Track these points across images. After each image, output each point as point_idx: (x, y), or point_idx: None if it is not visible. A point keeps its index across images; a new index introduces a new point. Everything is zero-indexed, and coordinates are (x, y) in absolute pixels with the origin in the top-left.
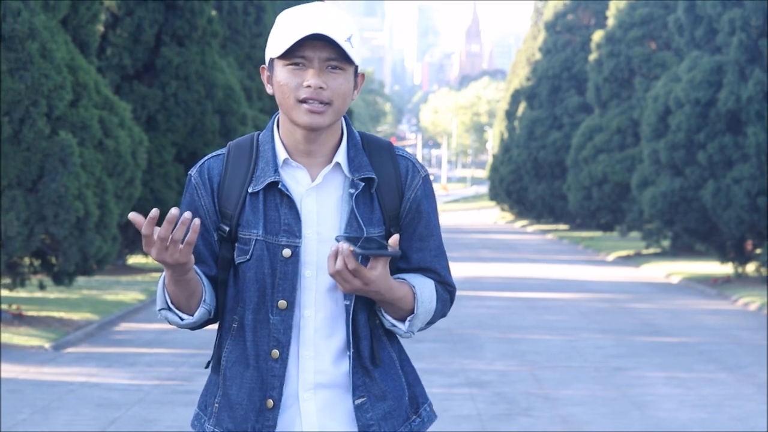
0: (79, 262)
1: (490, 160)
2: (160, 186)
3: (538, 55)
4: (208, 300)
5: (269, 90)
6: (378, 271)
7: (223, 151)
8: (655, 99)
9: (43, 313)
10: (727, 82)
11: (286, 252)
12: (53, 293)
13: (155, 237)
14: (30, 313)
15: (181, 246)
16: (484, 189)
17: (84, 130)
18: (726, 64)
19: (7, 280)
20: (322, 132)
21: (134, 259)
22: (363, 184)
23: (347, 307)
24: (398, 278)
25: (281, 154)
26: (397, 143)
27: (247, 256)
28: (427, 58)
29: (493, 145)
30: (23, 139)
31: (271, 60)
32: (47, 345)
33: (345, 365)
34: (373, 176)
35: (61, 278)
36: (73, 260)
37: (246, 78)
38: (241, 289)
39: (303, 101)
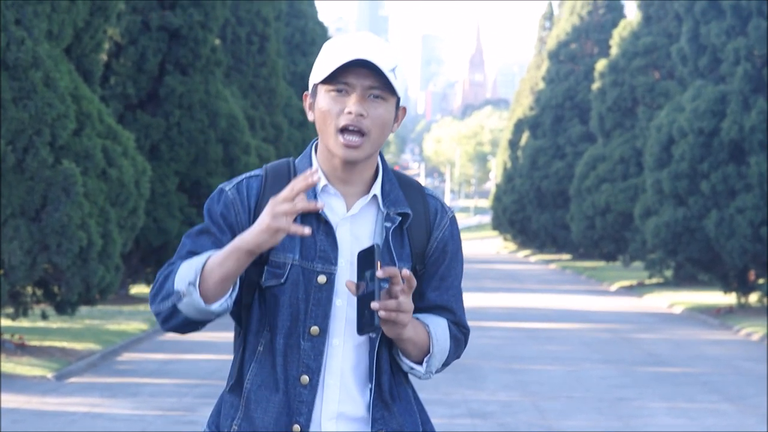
0: (81, 292)
1: (493, 189)
2: (164, 215)
3: (541, 85)
4: (233, 297)
5: (311, 117)
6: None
7: (260, 172)
8: (658, 128)
9: (46, 343)
10: (730, 112)
11: (321, 278)
12: (56, 323)
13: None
14: (32, 343)
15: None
16: (487, 218)
17: (87, 160)
18: (730, 94)
19: (9, 310)
20: (360, 161)
21: (137, 289)
22: (399, 218)
23: (372, 340)
24: (412, 317)
25: (321, 180)
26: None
27: (281, 280)
28: (430, 87)
29: (496, 174)
30: (26, 168)
31: (315, 86)
32: (50, 375)
33: (366, 397)
34: (409, 212)
35: (64, 308)
36: (75, 290)
37: (249, 107)
38: (272, 313)
39: (343, 130)
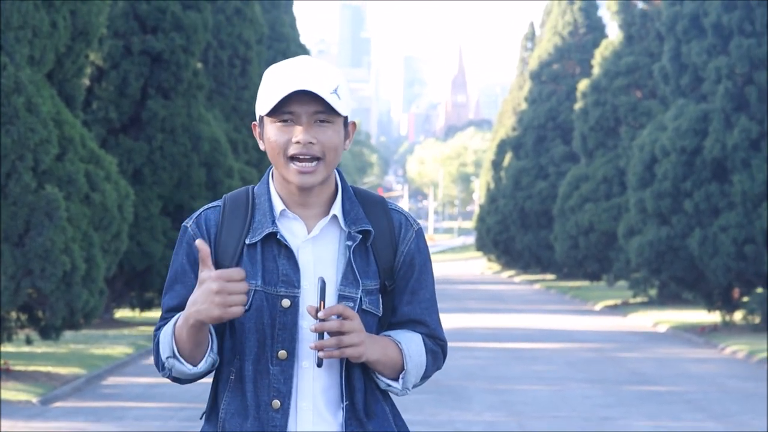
0: (66, 316)
1: (476, 210)
2: (147, 239)
3: (524, 105)
4: (215, 349)
5: (262, 146)
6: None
7: (219, 203)
8: (641, 148)
9: (31, 368)
10: (712, 130)
11: (285, 302)
12: (40, 347)
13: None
14: (17, 368)
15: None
16: (471, 239)
17: (70, 184)
18: (712, 112)
19: None
20: (316, 186)
21: (121, 313)
22: (360, 236)
23: (341, 360)
24: (384, 335)
25: (278, 205)
26: (383, 194)
27: (246, 307)
28: (413, 109)
29: (479, 195)
30: (9, 194)
31: (261, 117)
32: (35, 399)
33: (339, 417)
34: (370, 229)
35: (48, 332)
36: (60, 314)
37: (232, 130)
38: (240, 341)
39: (293, 158)
